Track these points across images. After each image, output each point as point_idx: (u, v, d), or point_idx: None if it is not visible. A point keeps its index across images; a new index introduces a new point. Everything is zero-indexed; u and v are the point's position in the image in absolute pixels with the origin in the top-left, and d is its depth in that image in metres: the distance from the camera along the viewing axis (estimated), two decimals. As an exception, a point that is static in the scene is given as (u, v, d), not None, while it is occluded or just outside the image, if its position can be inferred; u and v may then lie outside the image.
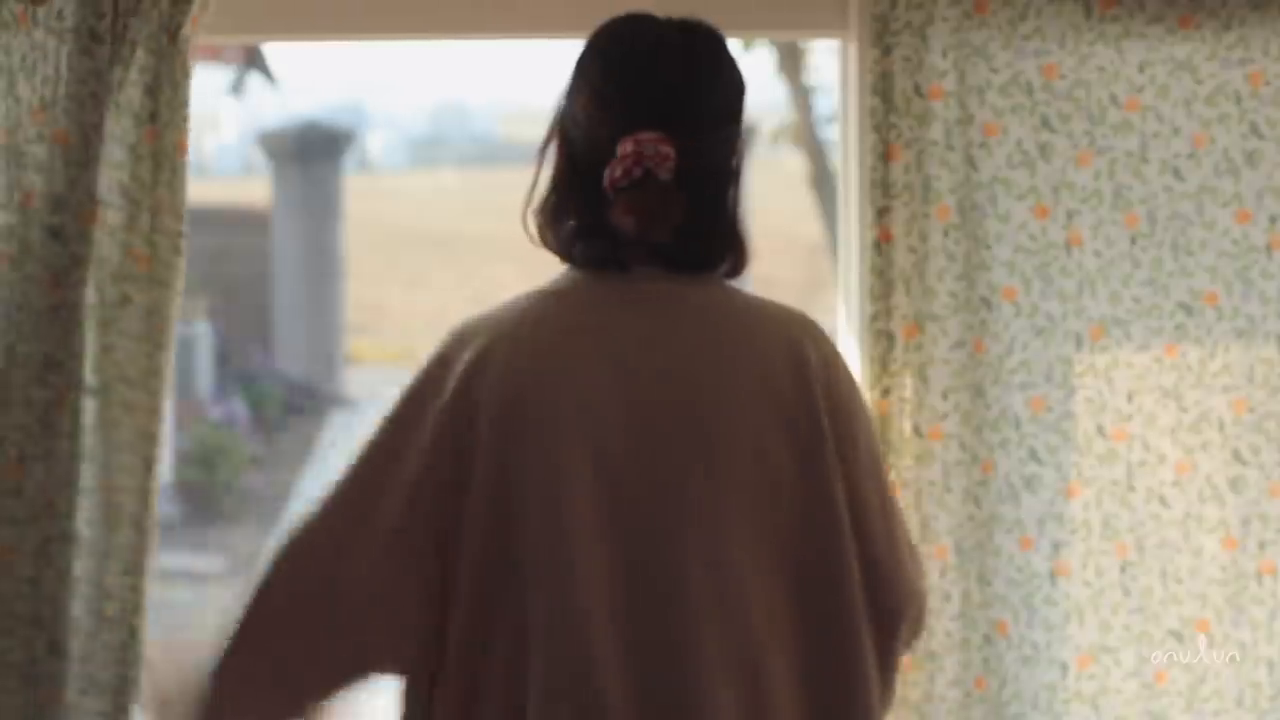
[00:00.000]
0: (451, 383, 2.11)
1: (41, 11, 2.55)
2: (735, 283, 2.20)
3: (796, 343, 2.15)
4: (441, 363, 2.14)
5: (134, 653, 2.58)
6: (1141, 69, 2.75)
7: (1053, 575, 2.76)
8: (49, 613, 2.55)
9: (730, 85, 2.17)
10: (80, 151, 2.55)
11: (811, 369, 2.13)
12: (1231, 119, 2.76)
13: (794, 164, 12.17)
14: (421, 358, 2.16)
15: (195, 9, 2.56)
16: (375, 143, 24.14)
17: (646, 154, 2.09)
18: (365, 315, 17.41)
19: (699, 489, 2.08)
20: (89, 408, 2.58)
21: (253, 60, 13.03)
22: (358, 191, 17.84)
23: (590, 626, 2.03)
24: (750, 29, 2.79)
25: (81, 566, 2.58)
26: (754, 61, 9.95)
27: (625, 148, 2.09)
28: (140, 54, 2.55)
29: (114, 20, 2.55)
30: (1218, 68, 2.75)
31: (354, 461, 2.15)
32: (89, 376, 2.57)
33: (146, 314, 2.58)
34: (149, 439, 2.58)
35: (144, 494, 2.58)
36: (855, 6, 2.74)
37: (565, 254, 2.18)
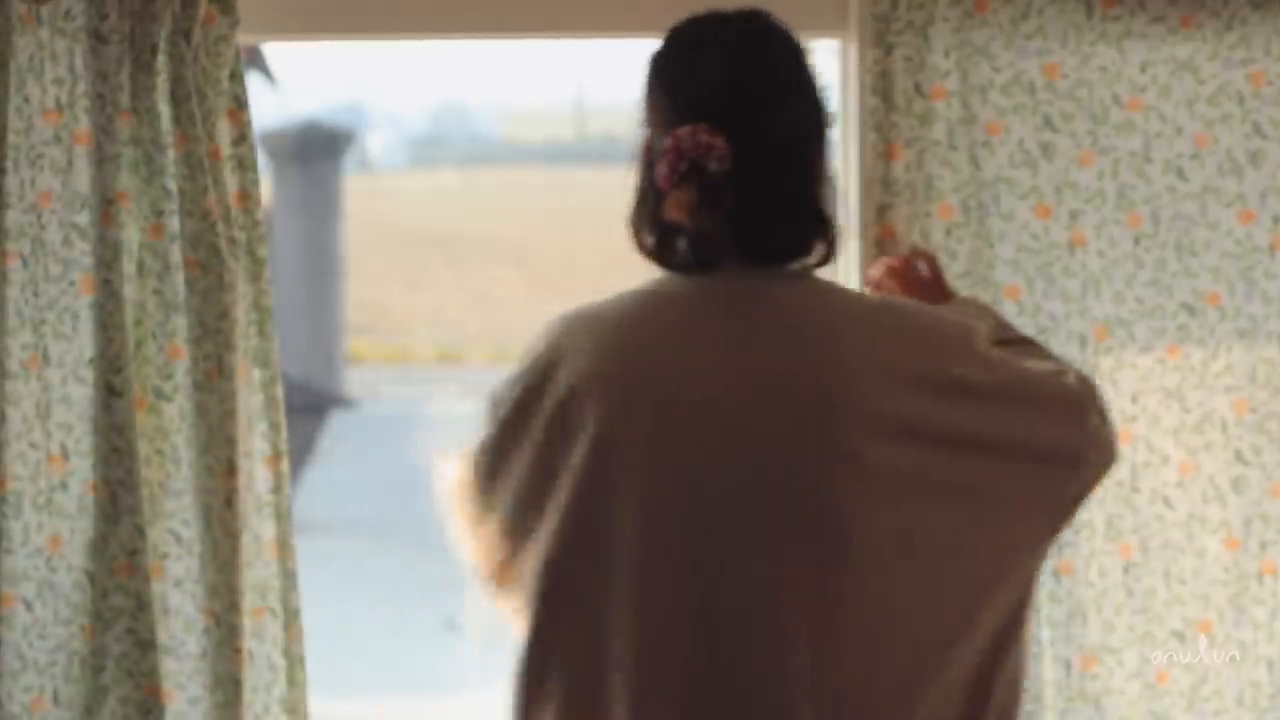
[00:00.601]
0: (553, 394, 2.11)
1: (46, 11, 2.55)
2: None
3: (892, 345, 2.09)
4: (542, 373, 2.13)
5: (232, 649, 2.57)
6: (1143, 69, 2.75)
7: (1057, 574, 2.76)
8: (131, 606, 2.55)
9: (787, 68, 2.14)
10: (101, 153, 2.55)
11: (912, 378, 2.08)
12: (1234, 119, 2.76)
13: (794, 164, 12.16)
14: (522, 360, 2.16)
15: (200, 12, 2.55)
16: (375, 143, 24.16)
17: (685, 146, 2.07)
18: (365, 315, 17.41)
19: (793, 496, 2.03)
20: (144, 408, 2.58)
21: (253, 60, 13.03)
22: (358, 191, 17.84)
23: (670, 639, 2.03)
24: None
25: (179, 566, 2.60)
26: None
27: (666, 143, 2.08)
28: (160, 57, 2.56)
29: (129, 22, 2.55)
30: (1219, 68, 2.75)
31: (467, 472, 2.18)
32: (135, 378, 2.57)
33: (201, 319, 2.57)
34: (226, 443, 2.57)
35: (227, 496, 2.57)
36: (855, 6, 2.74)
37: (652, 258, 2.16)
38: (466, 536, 2.20)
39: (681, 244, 2.12)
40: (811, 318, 2.09)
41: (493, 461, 2.15)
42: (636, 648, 2.04)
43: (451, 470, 2.21)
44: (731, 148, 2.06)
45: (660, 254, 2.14)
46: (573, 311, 2.16)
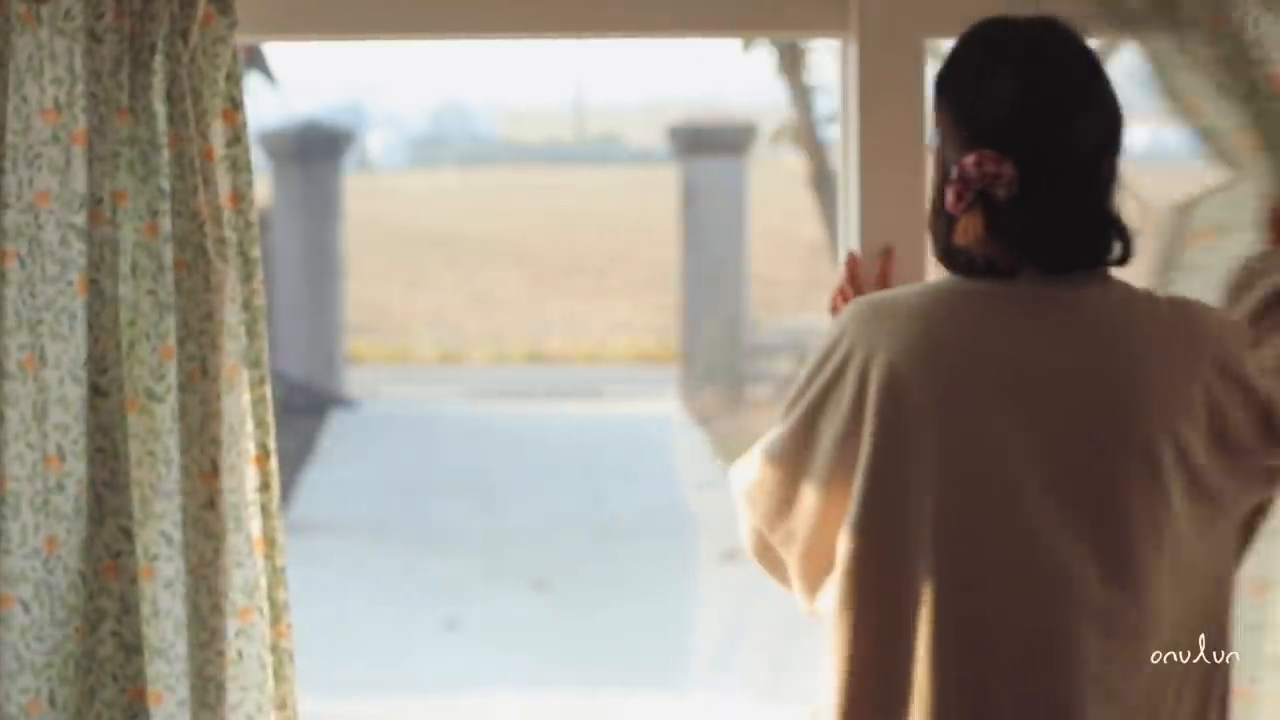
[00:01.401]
0: (856, 376, 2.16)
1: (45, 10, 2.55)
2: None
3: (1194, 342, 2.16)
4: (845, 356, 2.18)
5: (214, 651, 2.57)
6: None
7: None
8: (115, 609, 2.55)
9: (1078, 80, 2.15)
10: (98, 153, 2.55)
11: (1208, 376, 2.15)
12: None
13: (794, 164, 12.17)
14: (823, 345, 2.22)
15: (199, 12, 2.55)
16: (375, 143, 24.17)
17: (971, 177, 2.12)
18: (365, 315, 17.41)
19: (1091, 491, 2.11)
20: (136, 409, 2.58)
21: (253, 60, 13.02)
22: (358, 191, 17.84)
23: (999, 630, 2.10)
24: (750, 29, 2.78)
25: (169, 567, 2.59)
26: (754, 61, 9.96)
27: (954, 173, 2.14)
28: (159, 57, 2.55)
29: (127, 21, 2.55)
30: None
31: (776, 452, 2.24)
32: (126, 379, 2.57)
33: (185, 320, 2.57)
34: (210, 444, 2.57)
35: (210, 497, 2.56)
36: (855, 6, 2.74)
37: (946, 268, 2.21)
38: (771, 523, 2.26)
39: (975, 260, 2.17)
40: (1108, 318, 2.15)
41: (801, 443, 2.21)
42: (936, 610, 2.11)
43: (750, 470, 2.29)
44: (1020, 169, 2.11)
45: (952, 267, 2.20)
46: (868, 300, 2.22)
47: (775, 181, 16.30)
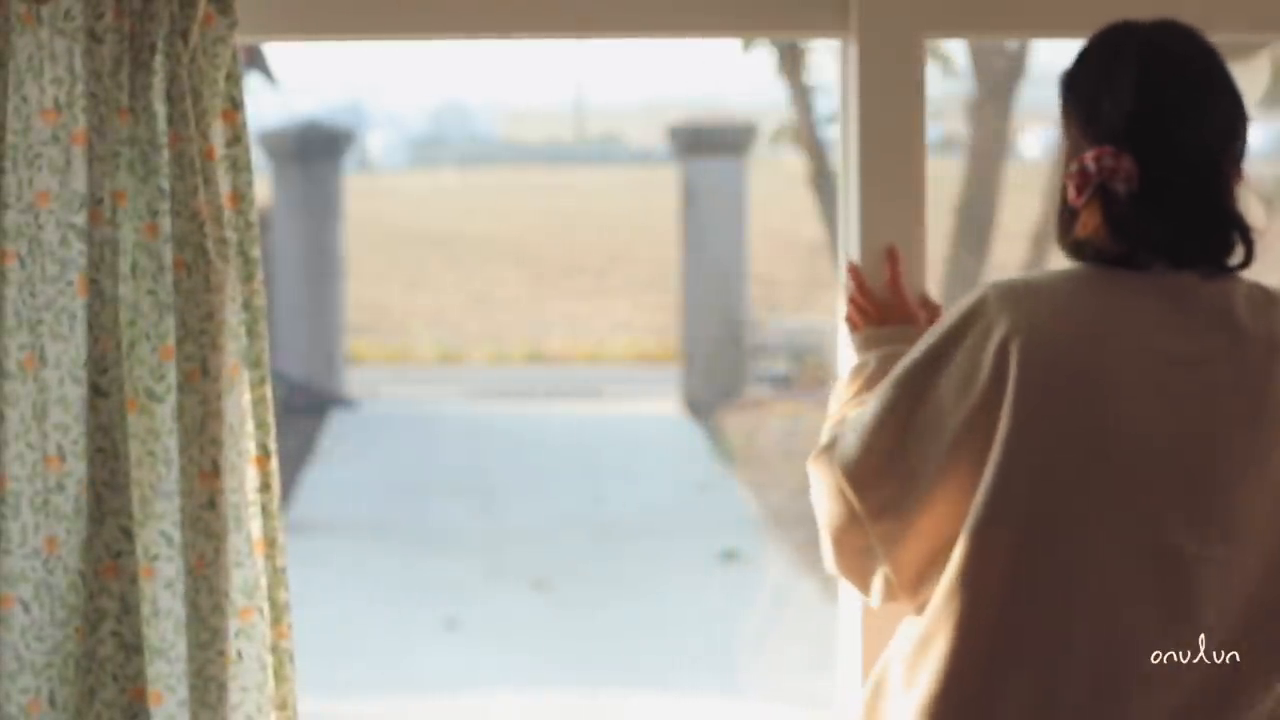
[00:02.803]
0: (976, 341, 2.19)
1: (46, 10, 2.55)
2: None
3: None
4: (965, 322, 2.21)
5: (215, 651, 2.57)
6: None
7: None
8: (115, 609, 2.55)
9: (1198, 79, 2.20)
10: (98, 153, 2.55)
11: None
12: None
13: (794, 164, 12.17)
14: (951, 322, 2.23)
15: (199, 12, 2.55)
16: (375, 143, 24.17)
17: (1090, 171, 2.18)
18: (365, 315, 17.41)
19: (1226, 485, 2.14)
20: (136, 409, 2.57)
21: (253, 60, 13.02)
22: (358, 191, 17.84)
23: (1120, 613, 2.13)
24: (750, 29, 2.78)
25: (170, 567, 2.59)
26: (754, 61, 9.97)
27: (1072, 167, 2.20)
28: (159, 57, 2.55)
29: (127, 21, 2.55)
30: None
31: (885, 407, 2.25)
32: (126, 379, 2.57)
33: (184, 320, 2.56)
34: (210, 444, 2.56)
35: (210, 497, 2.56)
36: (855, 6, 2.74)
37: (1072, 259, 2.25)
38: (879, 507, 2.25)
39: (1100, 252, 2.21)
40: (1230, 316, 2.18)
41: (925, 418, 2.22)
42: (1061, 604, 2.13)
43: (849, 453, 2.27)
44: (1140, 166, 2.16)
45: (1080, 258, 2.23)
46: (1006, 281, 2.25)
47: (775, 181, 16.29)
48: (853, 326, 2.62)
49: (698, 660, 8.41)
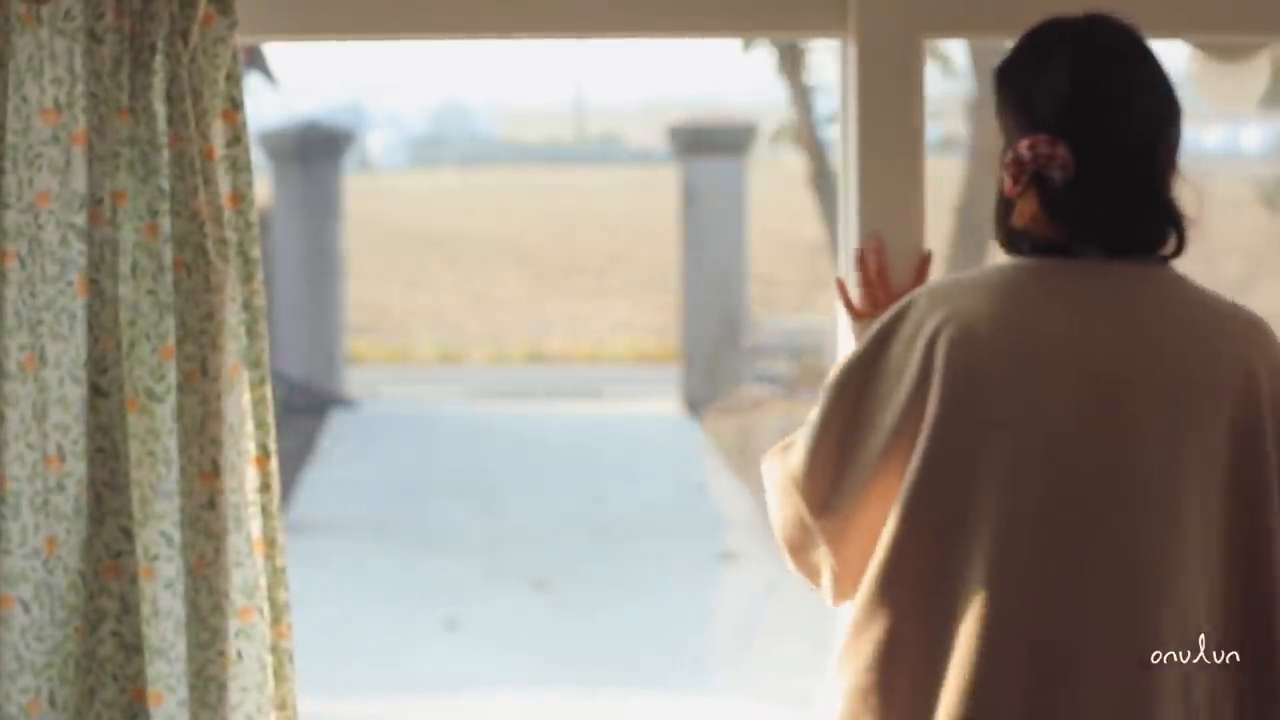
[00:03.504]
0: (916, 339, 2.21)
1: (46, 10, 2.55)
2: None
3: (1243, 342, 2.20)
4: (895, 319, 2.24)
5: (215, 652, 2.57)
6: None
7: None
8: (115, 609, 2.55)
9: (1130, 69, 2.22)
10: (98, 153, 2.55)
11: (1259, 374, 2.18)
12: None
13: (794, 164, 12.18)
14: (884, 323, 2.25)
15: (199, 12, 2.55)
16: (375, 143, 24.16)
17: (1025, 159, 2.20)
18: (365, 315, 17.41)
19: (1146, 470, 2.15)
20: (136, 409, 2.57)
21: (253, 60, 13.02)
22: (358, 191, 17.83)
23: (1031, 595, 2.13)
24: (750, 29, 2.78)
25: (170, 567, 2.59)
26: (754, 61, 9.97)
27: (1007, 156, 2.22)
28: (159, 57, 2.55)
29: (127, 21, 2.55)
30: None
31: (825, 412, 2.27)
32: (126, 379, 2.57)
33: (184, 320, 2.56)
34: (210, 444, 2.56)
35: (210, 497, 2.56)
36: (855, 6, 2.74)
37: (1007, 252, 2.26)
38: (821, 508, 2.27)
39: (1035, 242, 2.22)
40: (1158, 306, 2.20)
41: (861, 419, 2.24)
42: (989, 586, 2.13)
43: (796, 456, 2.29)
44: (1075, 154, 2.18)
45: (1015, 251, 2.25)
46: (933, 281, 2.31)
47: (775, 181, 16.29)
48: (856, 316, 2.62)
49: (698, 660, 8.41)
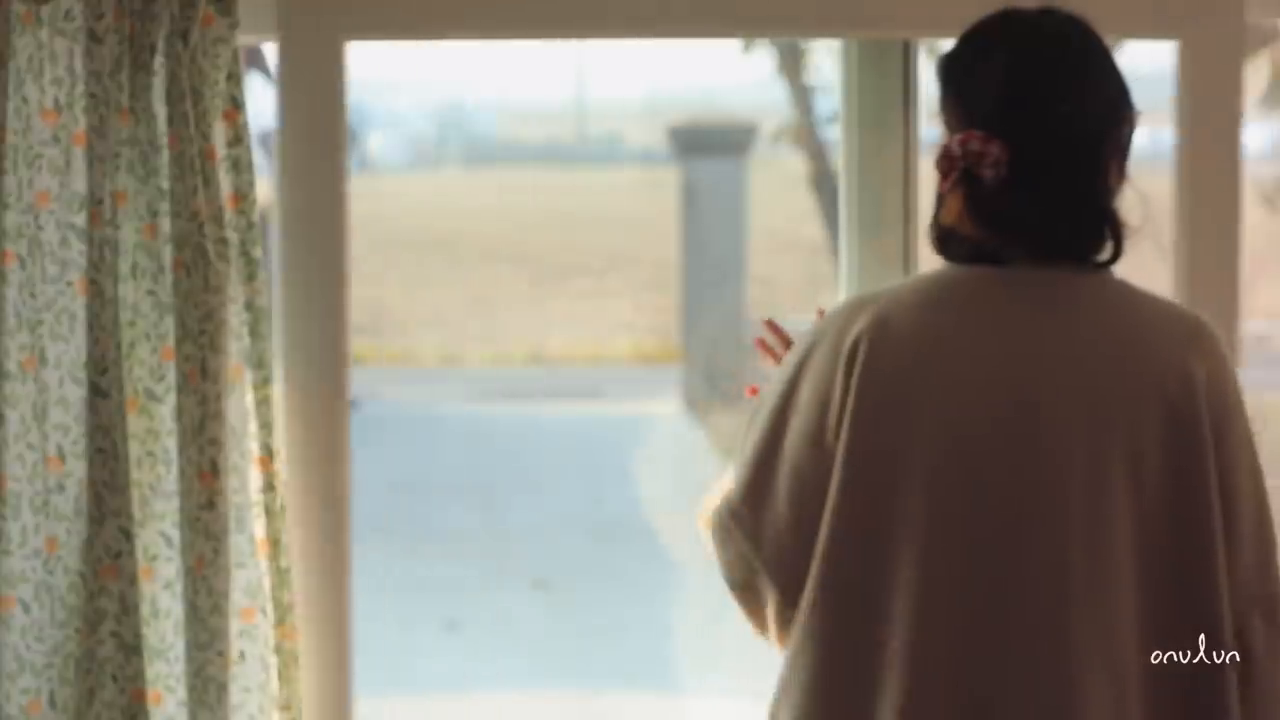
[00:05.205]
0: (835, 354, 2.18)
1: (46, 11, 2.55)
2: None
3: (1180, 345, 2.15)
4: (817, 334, 2.22)
5: (215, 652, 2.57)
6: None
7: None
8: (115, 609, 2.55)
9: (1073, 66, 2.15)
10: (98, 153, 2.55)
11: (1196, 379, 2.13)
12: None
13: (794, 164, 12.17)
14: (803, 343, 2.24)
15: (199, 13, 2.55)
16: (375, 143, 24.15)
17: (955, 154, 2.12)
18: (366, 316, 17.40)
19: (1068, 484, 2.10)
20: (135, 409, 2.57)
21: (253, 60, 13.03)
22: (358, 192, 17.83)
23: (957, 610, 2.09)
24: (750, 29, 2.78)
25: (169, 568, 2.60)
26: (754, 61, 9.97)
27: (939, 151, 2.15)
28: (159, 58, 2.56)
29: (128, 22, 2.55)
30: None
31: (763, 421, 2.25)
32: (126, 379, 2.57)
33: (185, 320, 2.56)
34: (210, 445, 2.56)
35: (210, 498, 2.56)
36: (851, 6, 2.74)
37: (939, 254, 2.21)
38: (760, 539, 2.24)
39: (963, 244, 2.17)
40: (1088, 314, 2.14)
41: (779, 420, 2.21)
42: (917, 601, 2.10)
43: (733, 493, 2.26)
44: (1011, 153, 2.10)
45: (943, 251, 2.19)
46: (851, 295, 2.26)
47: (775, 181, 16.29)
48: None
49: (698, 660, 8.41)
